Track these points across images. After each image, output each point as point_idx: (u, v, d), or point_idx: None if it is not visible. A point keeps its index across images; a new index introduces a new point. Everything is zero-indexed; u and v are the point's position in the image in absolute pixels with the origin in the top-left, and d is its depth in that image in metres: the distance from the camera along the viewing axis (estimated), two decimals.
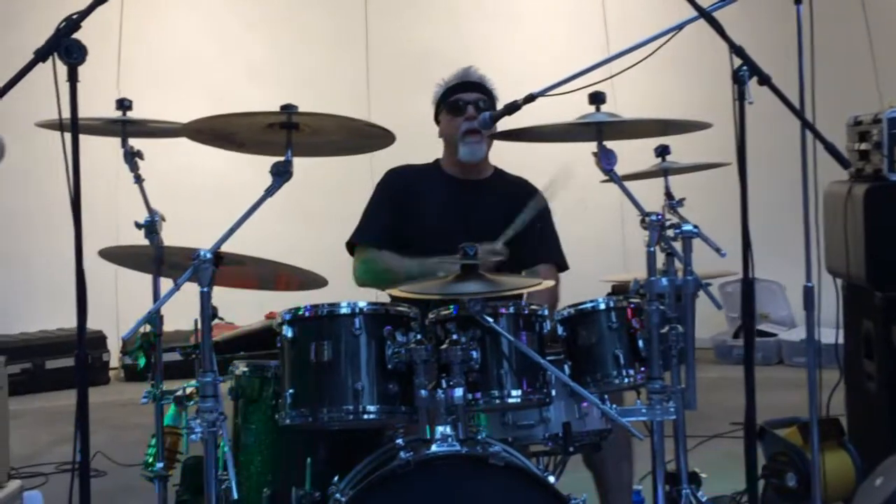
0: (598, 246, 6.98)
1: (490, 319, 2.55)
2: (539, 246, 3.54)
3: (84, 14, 2.40)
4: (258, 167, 8.91)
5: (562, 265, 3.65)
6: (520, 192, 3.62)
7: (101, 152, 6.31)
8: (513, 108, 3.19)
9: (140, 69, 7.86)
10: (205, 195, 7.69)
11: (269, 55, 8.58)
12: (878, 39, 7.44)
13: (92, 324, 8.19)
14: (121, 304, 7.94)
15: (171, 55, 7.88)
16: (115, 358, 8.07)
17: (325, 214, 7.19)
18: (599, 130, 2.58)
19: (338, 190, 7.09)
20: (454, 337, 2.55)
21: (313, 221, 7.75)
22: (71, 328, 7.94)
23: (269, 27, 8.62)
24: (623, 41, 8.99)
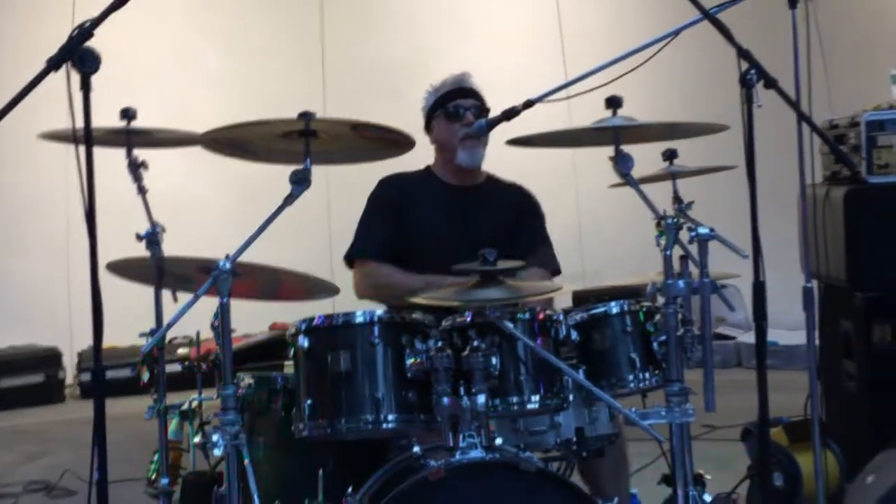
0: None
1: (510, 325, 2.55)
2: (531, 250, 3.54)
3: (97, 22, 2.36)
4: (214, 177, 8.71)
5: (554, 270, 3.65)
6: (515, 198, 3.64)
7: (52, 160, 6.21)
8: (511, 114, 3.17)
9: (92, 77, 7.73)
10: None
11: (224, 64, 8.51)
12: (827, 42, 7.59)
13: (46, 340, 8.07)
14: (74, 321, 7.79)
15: (125, 63, 7.76)
16: (70, 375, 7.91)
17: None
18: (617, 135, 2.58)
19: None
20: (475, 343, 2.54)
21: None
22: (23, 346, 7.80)
23: (224, 36, 8.55)
24: (579, 53, 9.08)
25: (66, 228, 7.74)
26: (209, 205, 8.32)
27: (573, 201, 8.54)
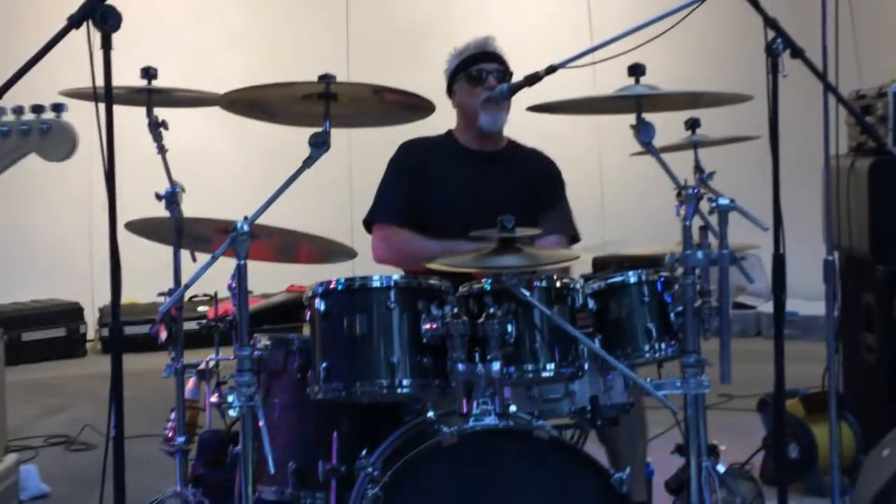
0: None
1: (527, 293, 2.54)
2: (551, 217, 3.53)
3: None
4: (234, 138, 8.70)
5: (574, 236, 3.64)
6: (535, 164, 3.63)
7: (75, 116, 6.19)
8: (533, 79, 3.14)
9: (113, 35, 7.72)
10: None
11: (247, 24, 8.48)
12: (858, 10, 7.49)
13: (68, 295, 8.11)
14: (96, 276, 7.84)
15: (147, 21, 7.75)
16: (91, 330, 7.97)
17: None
18: (639, 103, 2.56)
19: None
20: (491, 311, 2.54)
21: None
22: (46, 300, 7.86)
23: None
24: (605, 19, 9.02)
25: (89, 185, 7.77)
26: (229, 165, 8.33)
27: (596, 168, 8.51)
